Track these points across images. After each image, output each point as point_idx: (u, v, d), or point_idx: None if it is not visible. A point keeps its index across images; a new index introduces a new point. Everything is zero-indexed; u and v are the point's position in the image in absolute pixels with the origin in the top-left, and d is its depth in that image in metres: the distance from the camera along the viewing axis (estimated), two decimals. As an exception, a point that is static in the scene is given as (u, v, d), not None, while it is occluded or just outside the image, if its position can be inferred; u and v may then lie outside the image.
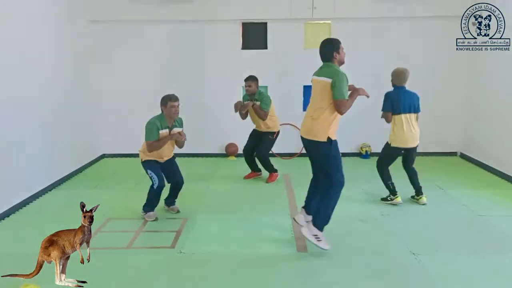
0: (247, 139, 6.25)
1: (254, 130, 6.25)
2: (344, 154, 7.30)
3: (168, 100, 4.53)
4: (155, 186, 4.50)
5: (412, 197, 5.19)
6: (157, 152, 4.54)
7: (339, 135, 3.76)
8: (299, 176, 6.25)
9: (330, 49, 3.74)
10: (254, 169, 6.30)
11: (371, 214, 4.79)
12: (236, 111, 5.96)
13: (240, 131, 7.45)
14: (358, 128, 7.46)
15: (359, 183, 5.89)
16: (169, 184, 4.82)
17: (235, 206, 5.13)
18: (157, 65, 7.47)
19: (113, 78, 7.43)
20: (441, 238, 4.12)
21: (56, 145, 5.94)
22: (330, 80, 3.62)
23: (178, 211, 4.86)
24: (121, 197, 5.43)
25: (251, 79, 5.88)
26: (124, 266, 3.60)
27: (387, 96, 4.99)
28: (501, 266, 3.58)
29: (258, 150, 6.06)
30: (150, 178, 4.56)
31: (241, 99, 6.17)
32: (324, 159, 3.75)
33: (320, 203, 3.81)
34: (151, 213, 4.66)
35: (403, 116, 4.92)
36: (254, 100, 5.89)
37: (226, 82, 7.51)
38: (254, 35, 7.46)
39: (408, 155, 5.09)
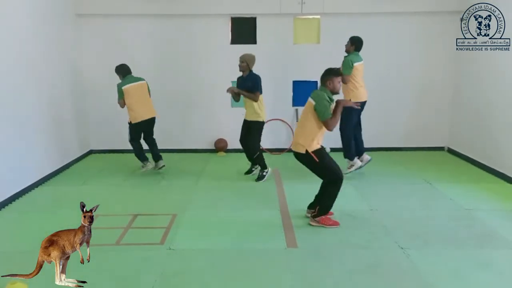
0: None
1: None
2: (334, 149, 7.35)
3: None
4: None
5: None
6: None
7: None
8: (288, 171, 6.26)
9: None
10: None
11: (360, 209, 4.83)
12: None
13: (229, 127, 7.43)
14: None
15: (348, 178, 5.90)
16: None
17: (224, 202, 5.12)
18: (145, 60, 7.39)
19: (100, 74, 7.34)
20: (429, 232, 4.16)
21: (43, 141, 5.86)
22: None
23: None
24: (109, 193, 5.38)
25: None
26: (113, 263, 3.58)
27: (258, 78, 5.67)
28: (488, 259, 3.63)
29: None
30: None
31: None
32: None
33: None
34: None
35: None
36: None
37: (214, 77, 7.46)
38: (243, 30, 7.42)
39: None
